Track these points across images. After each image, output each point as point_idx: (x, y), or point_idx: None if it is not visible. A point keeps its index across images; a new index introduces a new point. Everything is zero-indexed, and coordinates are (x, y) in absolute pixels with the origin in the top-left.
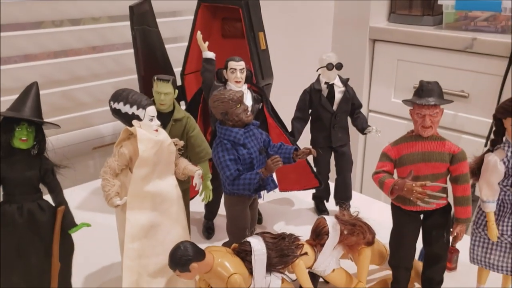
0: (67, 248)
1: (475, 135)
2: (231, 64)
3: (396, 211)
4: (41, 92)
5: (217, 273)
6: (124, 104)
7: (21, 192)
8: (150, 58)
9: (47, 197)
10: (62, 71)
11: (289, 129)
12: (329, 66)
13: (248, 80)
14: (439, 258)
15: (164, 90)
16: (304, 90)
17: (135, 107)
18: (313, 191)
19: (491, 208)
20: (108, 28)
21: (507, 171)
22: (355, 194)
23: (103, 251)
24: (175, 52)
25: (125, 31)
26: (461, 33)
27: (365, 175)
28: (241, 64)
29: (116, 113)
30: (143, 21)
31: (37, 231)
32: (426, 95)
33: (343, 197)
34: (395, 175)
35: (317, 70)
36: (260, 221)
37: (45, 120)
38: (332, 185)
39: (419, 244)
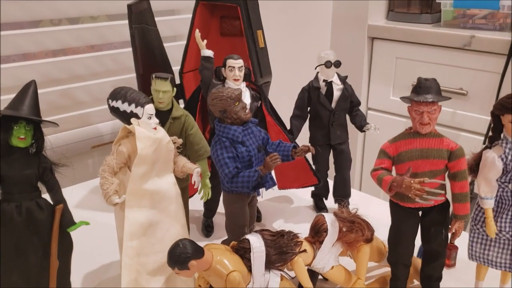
0: (66, 246)
1: (474, 133)
2: (230, 62)
3: (395, 208)
4: (39, 90)
5: (216, 271)
6: (123, 102)
7: (20, 190)
8: (149, 56)
9: (46, 196)
10: (61, 70)
11: (288, 127)
12: (328, 64)
13: (246, 78)
14: (438, 255)
15: (162, 88)
16: (302, 88)
17: (133, 105)
18: (312, 188)
19: (489, 204)
20: (106, 27)
21: (505, 168)
22: (354, 191)
23: (102, 249)
24: (174, 51)
25: (123, 29)
26: (459, 31)
27: (364, 172)
28: (240, 62)
29: (115, 111)
30: (141, 20)
31: (36, 230)
32: (424, 92)
33: (342, 195)
34: (394, 172)
35: (315, 68)
36: (259, 219)
37: (43, 118)
38: (331, 183)
39: (418, 241)
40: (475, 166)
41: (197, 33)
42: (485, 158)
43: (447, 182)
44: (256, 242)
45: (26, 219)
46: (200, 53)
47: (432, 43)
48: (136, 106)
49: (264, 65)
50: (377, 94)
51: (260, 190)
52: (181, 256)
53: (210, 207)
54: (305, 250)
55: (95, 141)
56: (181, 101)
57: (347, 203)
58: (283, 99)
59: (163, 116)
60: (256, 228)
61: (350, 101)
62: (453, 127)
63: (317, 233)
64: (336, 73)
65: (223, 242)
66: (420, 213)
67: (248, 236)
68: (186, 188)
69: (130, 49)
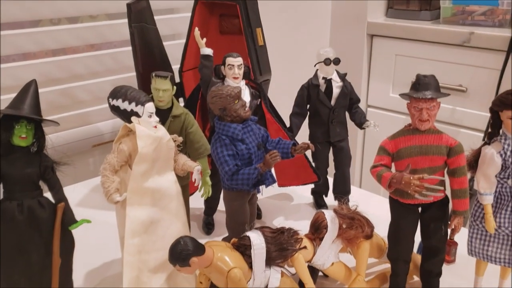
0: (68, 244)
1: (473, 129)
2: (229, 60)
3: (394, 204)
4: (39, 90)
5: (217, 268)
6: (123, 101)
7: (21, 189)
8: (148, 55)
9: (47, 194)
10: (61, 69)
11: (287, 125)
12: (327, 61)
13: (246, 76)
14: (438, 251)
15: (162, 87)
16: (302, 86)
17: (133, 103)
18: (312, 186)
19: (488, 200)
20: (106, 26)
21: (504, 164)
22: (354, 188)
23: (103, 248)
24: (173, 50)
25: (123, 28)
26: (458, 27)
27: (364, 169)
28: (239, 60)
29: (115, 110)
30: (141, 19)
31: (38, 228)
32: (423, 88)
33: (342, 192)
34: (393, 169)
35: (314, 65)
36: (259, 216)
37: (44, 118)
38: (330, 180)
39: (418, 237)
40: (474, 162)
41: (197, 32)
42: (484, 154)
43: (447, 178)
44: (256, 239)
45: (27, 217)
46: (200, 51)
47: (431, 40)
48: (136, 105)
49: (264, 63)
50: (377, 91)
51: (260, 187)
52: (182, 253)
53: (210, 204)
54: (305, 247)
55: (96, 140)
56: (180, 99)
57: (347, 200)
58: (283, 97)
59: (163, 115)
60: (256, 226)
61: (349, 98)
62: (453, 123)
63: (317, 230)
64: (336, 70)
65: (224, 240)
66: (419, 209)
67: (248, 233)
68: (186, 186)
69: (130, 48)
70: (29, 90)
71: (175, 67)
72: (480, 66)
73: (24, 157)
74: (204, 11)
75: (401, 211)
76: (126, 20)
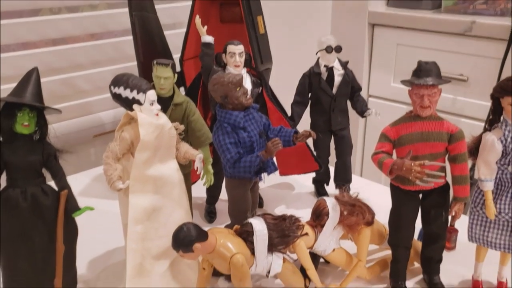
0: (71, 231)
1: (474, 119)
2: (230, 48)
3: (395, 191)
4: (40, 79)
5: (220, 253)
6: (125, 89)
7: (24, 176)
8: (149, 44)
9: (50, 183)
10: (61, 59)
11: (289, 113)
12: (328, 49)
13: (247, 64)
14: (438, 237)
15: (163, 75)
16: (303, 74)
17: (135, 91)
18: (313, 175)
19: (489, 186)
20: (106, 15)
21: (505, 150)
22: (355, 177)
23: (106, 236)
24: (174, 38)
25: (123, 17)
26: (460, 16)
27: (365, 158)
28: (240, 48)
29: (117, 97)
30: (141, 7)
31: (41, 215)
32: (424, 75)
33: (343, 181)
34: (394, 156)
35: (316, 53)
36: (261, 205)
37: (46, 106)
38: (332, 169)
39: (418, 224)
40: (474, 149)
41: (198, 20)
42: (484, 140)
43: (447, 165)
44: (258, 225)
45: (31, 204)
46: (200, 40)
47: (432, 29)
48: (138, 93)
49: (265, 52)
50: (378, 81)
51: (262, 175)
52: (185, 239)
53: (212, 193)
54: (306, 234)
55: (97, 130)
56: (181, 88)
57: (348, 188)
58: (284, 86)
59: (164, 103)
60: (258, 214)
61: (351, 86)
62: (454, 113)
63: (319, 216)
64: (337, 58)
65: (226, 227)
66: (420, 195)
67: (250, 220)
68: (188, 174)
69: (131, 37)
70: (31, 78)
71: (176, 56)
72: (481, 56)
73: (26, 145)
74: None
75: (402, 198)
76: (126, 9)
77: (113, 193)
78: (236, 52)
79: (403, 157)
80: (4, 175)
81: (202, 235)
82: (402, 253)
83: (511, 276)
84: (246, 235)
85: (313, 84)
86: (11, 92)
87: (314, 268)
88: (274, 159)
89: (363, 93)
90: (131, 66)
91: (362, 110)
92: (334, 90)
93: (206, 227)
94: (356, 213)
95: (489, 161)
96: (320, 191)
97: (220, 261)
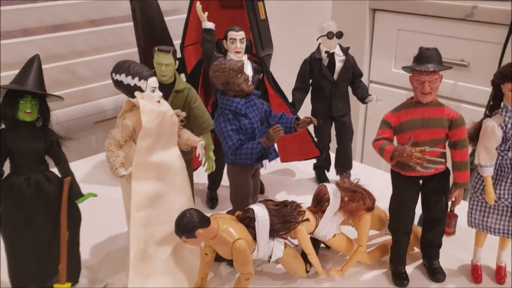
0: (75, 218)
1: (475, 104)
2: (231, 34)
3: (396, 177)
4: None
5: (222, 239)
6: (126, 76)
7: (28, 163)
8: (150, 30)
9: (53, 170)
10: (62, 46)
11: (290, 99)
12: (330, 35)
13: (248, 50)
14: (438, 223)
15: (165, 61)
16: (304, 60)
17: (137, 78)
18: (314, 161)
19: (489, 172)
20: (106, 1)
21: (505, 136)
22: (355, 163)
23: (108, 222)
24: (174, 24)
25: (123, 3)
26: (461, 1)
27: (366, 144)
28: (241, 34)
29: (118, 84)
30: None
31: (45, 202)
32: (426, 61)
33: (344, 167)
34: (395, 142)
35: (317, 39)
36: (262, 191)
37: (48, 93)
38: (332, 155)
39: (418, 210)
40: (475, 135)
41: (198, 6)
42: (485, 126)
43: (448, 151)
44: (260, 211)
45: (35, 191)
46: (200, 26)
47: (434, 14)
48: (139, 80)
49: (266, 37)
50: (379, 66)
51: (264, 162)
52: (188, 224)
53: (214, 179)
54: (307, 219)
55: (98, 117)
56: (182, 75)
57: (348, 174)
58: (285, 72)
59: (166, 89)
60: (260, 199)
61: (352, 72)
62: (454, 98)
63: (320, 202)
64: (338, 44)
65: (228, 213)
66: (420, 181)
67: (252, 206)
68: (190, 161)
69: (131, 23)
70: (33, 65)
71: (176, 42)
72: (482, 41)
73: (29, 132)
74: None
75: (403, 184)
76: None
77: (115, 179)
78: (237, 38)
79: (403, 144)
80: (7, 163)
81: (205, 221)
82: (402, 238)
83: (511, 261)
84: (248, 221)
85: (314, 70)
86: (13, 79)
87: (315, 253)
88: (275, 145)
89: (364, 79)
90: (131, 52)
91: (363, 96)
92: (335, 76)
93: (208, 213)
94: (357, 199)
95: (489, 147)
96: (320, 177)
97: (222, 246)
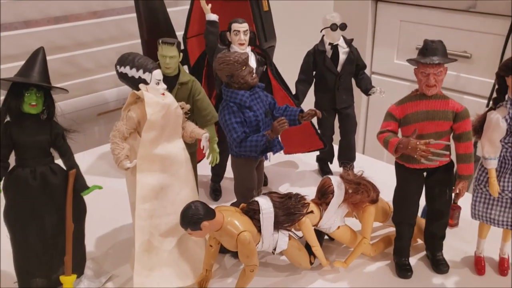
0: (80, 210)
1: (478, 96)
2: (235, 26)
3: (400, 169)
4: None
5: (227, 231)
6: (131, 68)
7: (33, 156)
8: (153, 21)
9: (58, 162)
10: (64, 37)
11: (293, 91)
12: (333, 27)
13: (251, 42)
14: (442, 215)
15: (169, 53)
16: (307, 52)
17: (141, 70)
18: (317, 153)
19: (493, 164)
20: None
21: (509, 129)
22: (358, 155)
23: (113, 213)
24: (176, 16)
25: None
26: None
27: (368, 136)
28: (245, 26)
29: (123, 77)
30: None
31: (51, 194)
32: (431, 54)
33: (348, 159)
34: (400, 134)
35: (321, 31)
36: (265, 183)
37: (53, 85)
38: (336, 147)
39: (422, 202)
40: (479, 127)
41: None
42: (489, 119)
43: (452, 143)
44: (265, 203)
45: (41, 183)
46: (204, 18)
47: (436, 6)
48: (144, 72)
49: (269, 29)
50: (382, 58)
51: (268, 154)
52: (193, 217)
53: (217, 171)
54: (312, 211)
55: (101, 108)
56: (185, 67)
57: (352, 166)
58: (288, 64)
59: (170, 82)
60: (264, 192)
61: (355, 65)
62: (457, 90)
63: (324, 195)
64: (342, 36)
65: (232, 205)
66: (425, 173)
67: (257, 198)
68: (194, 153)
69: (134, 14)
70: (37, 58)
71: (179, 33)
72: (485, 32)
73: (34, 125)
74: None
75: (407, 176)
76: None
77: (118, 171)
78: (241, 30)
79: (408, 136)
80: (12, 155)
81: (210, 213)
82: (406, 230)
83: None
84: (253, 213)
85: (317, 62)
86: (18, 72)
87: (319, 245)
88: (279, 137)
89: (367, 70)
90: (134, 44)
91: (366, 88)
92: (339, 68)
93: (211, 205)
94: (361, 191)
95: (493, 139)
96: (324, 169)
97: (227, 238)
